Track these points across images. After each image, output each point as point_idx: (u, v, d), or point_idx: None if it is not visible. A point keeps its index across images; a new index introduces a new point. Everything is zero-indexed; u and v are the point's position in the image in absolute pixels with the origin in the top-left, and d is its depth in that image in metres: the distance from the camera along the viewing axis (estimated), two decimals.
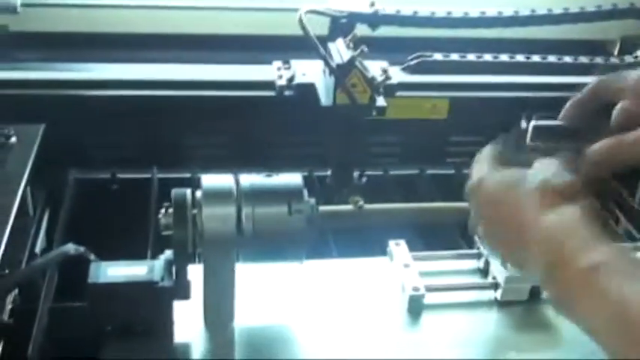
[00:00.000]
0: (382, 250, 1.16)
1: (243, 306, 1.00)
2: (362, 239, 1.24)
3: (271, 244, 0.95)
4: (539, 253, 0.64)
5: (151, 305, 0.92)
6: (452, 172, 1.44)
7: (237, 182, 0.96)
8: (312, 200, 0.97)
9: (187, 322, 0.98)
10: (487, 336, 1.02)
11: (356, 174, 0.98)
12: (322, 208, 0.98)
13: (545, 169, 0.68)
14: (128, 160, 1.36)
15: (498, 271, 1.06)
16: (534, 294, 1.07)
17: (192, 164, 1.34)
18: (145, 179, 1.32)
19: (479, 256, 1.12)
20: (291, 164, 1.26)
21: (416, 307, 1.05)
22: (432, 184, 1.42)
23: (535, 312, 1.06)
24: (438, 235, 1.14)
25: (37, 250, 1.18)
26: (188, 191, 0.95)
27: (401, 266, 1.09)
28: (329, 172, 1.02)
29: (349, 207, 0.97)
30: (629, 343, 0.53)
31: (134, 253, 1.03)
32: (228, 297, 0.97)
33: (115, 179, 1.35)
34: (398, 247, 1.13)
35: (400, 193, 1.23)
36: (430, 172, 1.44)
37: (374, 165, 1.35)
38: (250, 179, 0.96)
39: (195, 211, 0.93)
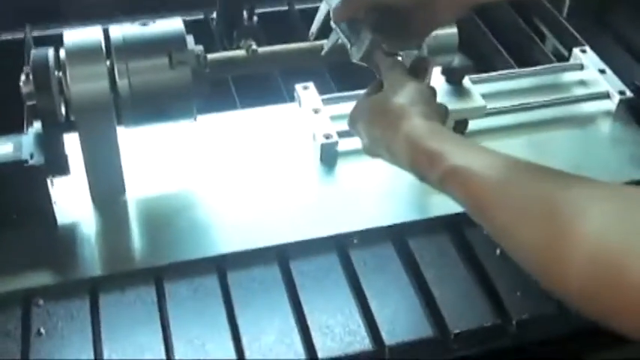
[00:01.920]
0: (291, 97, 1.05)
1: (135, 176, 0.89)
2: (267, 86, 1.12)
3: (154, 103, 0.82)
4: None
5: (22, 187, 0.80)
6: None
7: (106, 35, 0.82)
8: (198, 48, 0.84)
9: (72, 200, 0.87)
10: (411, 183, 0.94)
11: (246, 13, 0.83)
12: (210, 56, 0.85)
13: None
14: None
15: None
16: (458, 129, 0.99)
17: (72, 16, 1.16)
18: (17, 41, 1.15)
19: None
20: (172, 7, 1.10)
21: (329, 156, 0.95)
22: None
23: None
24: (351, 76, 1.03)
25: None
26: (50, 51, 0.81)
27: (310, 112, 0.98)
28: (214, 14, 0.87)
29: (241, 52, 0.84)
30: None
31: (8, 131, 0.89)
32: (113, 167, 0.86)
33: None
34: (306, 91, 1.01)
35: (301, 31, 1.09)
36: None
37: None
38: (122, 30, 0.82)
39: (59, 73, 0.79)
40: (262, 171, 0.94)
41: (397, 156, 0.71)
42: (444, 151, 0.65)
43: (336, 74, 1.11)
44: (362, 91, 0.99)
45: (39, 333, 0.75)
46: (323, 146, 0.94)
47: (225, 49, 0.87)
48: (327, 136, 0.94)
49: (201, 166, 0.94)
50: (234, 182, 0.92)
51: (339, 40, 0.82)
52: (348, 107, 0.97)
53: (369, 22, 0.78)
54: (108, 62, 0.80)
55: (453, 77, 0.99)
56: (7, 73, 0.86)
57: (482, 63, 1.17)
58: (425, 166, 0.67)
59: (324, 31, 0.85)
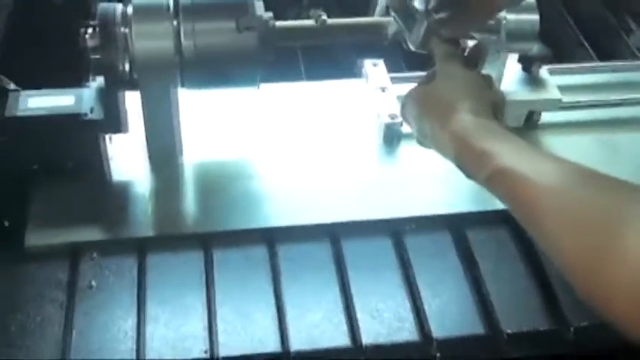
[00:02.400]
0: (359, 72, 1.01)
1: (193, 139, 0.88)
2: (336, 59, 1.09)
3: (218, 67, 0.80)
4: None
5: (80, 140, 0.79)
6: None
7: None
8: (267, 14, 0.81)
9: (128, 158, 0.86)
10: None
11: None
12: (278, 23, 0.82)
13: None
14: None
15: None
16: (531, 119, 0.95)
17: None
18: None
19: None
20: None
21: (392, 137, 0.92)
22: None
23: (529, 139, 0.94)
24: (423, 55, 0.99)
25: None
26: (118, 6, 0.80)
27: (377, 90, 0.95)
28: None
29: (310, 22, 0.81)
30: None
31: (69, 82, 0.88)
32: (172, 129, 0.84)
33: None
34: (375, 68, 0.98)
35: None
36: None
37: None
38: None
39: (125, 29, 0.78)
40: (322, 146, 0.91)
41: (444, 151, 0.69)
42: (491, 151, 0.62)
43: (408, 52, 1.08)
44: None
45: (89, 286, 0.75)
46: (387, 126, 0.91)
47: (294, 17, 0.84)
48: (392, 117, 0.91)
49: (261, 136, 0.92)
50: (293, 155, 0.90)
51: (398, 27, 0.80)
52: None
53: (424, 5, 0.75)
54: (175, 22, 0.78)
55: (530, 66, 0.95)
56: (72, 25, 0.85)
57: (562, 53, 1.11)
58: (472, 165, 0.64)
59: None
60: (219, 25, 0.79)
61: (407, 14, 0.78)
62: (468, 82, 0.71)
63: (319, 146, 0.91)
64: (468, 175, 0.66)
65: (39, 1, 1.12)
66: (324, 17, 0.79)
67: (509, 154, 0.61)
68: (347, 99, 0.98)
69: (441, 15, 0.74)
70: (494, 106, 0.70)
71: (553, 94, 0.94)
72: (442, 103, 0.69)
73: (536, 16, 0.88)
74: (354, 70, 1.05)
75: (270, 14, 0.82)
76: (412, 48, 0.80)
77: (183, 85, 0.82)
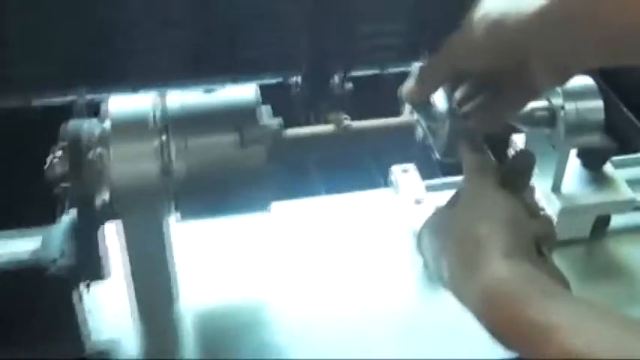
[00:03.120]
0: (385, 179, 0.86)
1: (191, 279, 0.71)
2: (355, 167, 0.94)
3: (219, 192, 0.64)
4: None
5: (47, 296, 0.62)
6: None
7: (161, 103, 0.65)
8: (275, 121, 0.66)
9: (111, 310, 0.69)
10: None
11: (337, 77, 0.65)
12: (290, 132, 0.67)
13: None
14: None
15: (549, 199, 0.76)
16: (598, 228, 0.78)
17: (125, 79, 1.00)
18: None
19: None
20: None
21: None
22: None
23: (599, 252, 0.78)
24: None
25: None
26: (91, 122, 0.64)
27: (410, 201, 0.79)
28: (298, 78, 0.69)
29: (328, 127, 0.66)
30: None
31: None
32: (164, 268, 0.67)
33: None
34: (405, 175, 0.82)
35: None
36: None
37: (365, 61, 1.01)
38: (181, 98, 0.65)
39: (101, 149, 0.62)
40: (351, 276, 0.74)
41: (469, 307, 0.51)
42: (549, 323, 0.45)
43: None
44: None
45: None
46: None
47: (307, 122, 0.69)
48: None
49: (276, 268, 0.75)
50: (316, 291, 0.73)
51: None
52: None
53: (447, 103, 0.60)
54: (163, 138, 0.63)
55: (593, 161, 0.79)
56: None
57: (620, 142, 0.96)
58: (517, 337, 0.47)
59: None
60: (218, 140, 0.63)
61: (429, 114, 0.63)
62: (504, 210, 0.53)
63: (347, 276, 0.74)
64: (507, 345, 0.48)
65: None
66: (348, 121, 0.64)
67: (576, 328, 0.45)
68: (374, 215, 0.82)
69: (467, 107, 0.59)
70: (540, 240, 0.53)
71: (624, 193, 0.78)
72: (467, 239, 0.52)
73: (599, 102, 0.73)
74: (375, 178, 0.90)
75: (279, 120, 0.66)
76: (438, 156, 0.64)
77: (176, 216, 0.65)
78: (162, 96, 0.66)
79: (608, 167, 0.80)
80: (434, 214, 0.58)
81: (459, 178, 0.82)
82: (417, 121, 0.67)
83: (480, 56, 0.54)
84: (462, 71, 0.57)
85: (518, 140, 0.80)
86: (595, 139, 0.75)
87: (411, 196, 0.79)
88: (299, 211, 0.82)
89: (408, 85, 0.59)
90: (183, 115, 0.63)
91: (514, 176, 0.57)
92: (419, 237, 0.58)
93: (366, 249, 0.78)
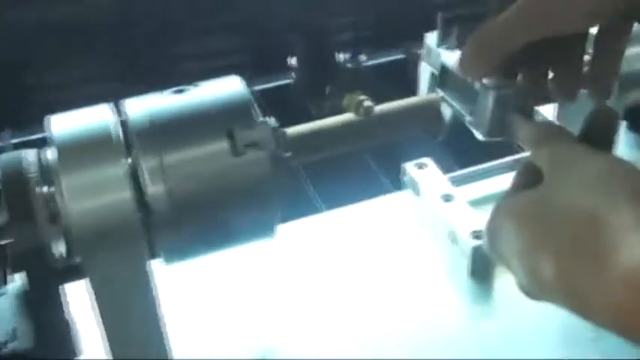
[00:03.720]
0: (393, 183, 0.72)
1: (182, 337, 0.55)
2: (350, 172, 0.79)
3: (212, 218, 0.48)
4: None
5: None
6: None
7: (119, 115, 0.49)
8: (270, 121, 0.50)
9: None
10: None
11: (342, 57, 0.51)
12: (292, 130, 0.52)
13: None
14: None
15: None
16: None
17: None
18: None
19: None
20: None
21: (483, 267, 0.61)
22: None
23: None
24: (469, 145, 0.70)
25: None
26: (28, 153, 0.48)
27: (438, 200, 0.64)
28: (293, 60, 0.54)
29: (346, 116, 0.51)
30: None
31: None
32: (149, 330, 0.51)
33: None
34: (423, 172, 0.68)
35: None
36: None
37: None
38: (146, 104, 0.49)
39: (48, 188, 0.46)
40: (385, 304, 0.60)
41: (604, 313, 0.37)
42: None
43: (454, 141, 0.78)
44: (507, 161, 0.68)
45: None
46: (474, 251, 0.60)
47: (309, 116, 0.54)
48: (478, 235, 0.60)
49: (288, 312, 0.59)
50: (344, 335, 0.58)
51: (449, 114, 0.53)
52: (491, 186, 0.65)
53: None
54: (128, 158, 0.47)
55: None
56: None
57: None
58: None
59: None
60: (204, 151, 0.47)
61: (464, 90, 0.50)
62: (613, 172, 0.39)
63: (379, 308, 0.59)
64: None
65: None
66: (369, 102, 0.49)
67: None
68: (397, 224, 0.67)
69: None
70: None
71: None
72: (581, 217, 0.38)
73: None
74: (381, 182, 0.75)
75: (272, 120, 0.51)
76: (482, 137, 0.51)
77: (156, 258, 0.50)
78: (119, 105, 0.50)
79: None
80: (510, 199, 0.43)
81: (486, 166, 0.70)
82: (444, 98, 0.53)
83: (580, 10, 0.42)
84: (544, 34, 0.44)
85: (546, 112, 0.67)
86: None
87: (436, 194, 0.65)
88: (303, 233, 0.66)
89: (466, 59, 0.46)
90: (152, 125, 0.48)
91: (596, 136, 0.44)
92: (492, 231, 0.43)
93: (397, 267, 0.63)
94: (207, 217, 0.48)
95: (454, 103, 0.52)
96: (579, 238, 0.37)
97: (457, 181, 0.67)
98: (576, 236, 0.37)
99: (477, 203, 0.65)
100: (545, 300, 0.40)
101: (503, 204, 0.43)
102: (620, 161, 0.40)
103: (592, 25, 0.46)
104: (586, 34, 0.49)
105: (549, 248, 0.38)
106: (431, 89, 0.56)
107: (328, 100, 0.50)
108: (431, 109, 0.55)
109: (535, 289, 0.41)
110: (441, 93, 0.54)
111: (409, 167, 0.68)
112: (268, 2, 0.65)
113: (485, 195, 0.67)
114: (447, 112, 0.54)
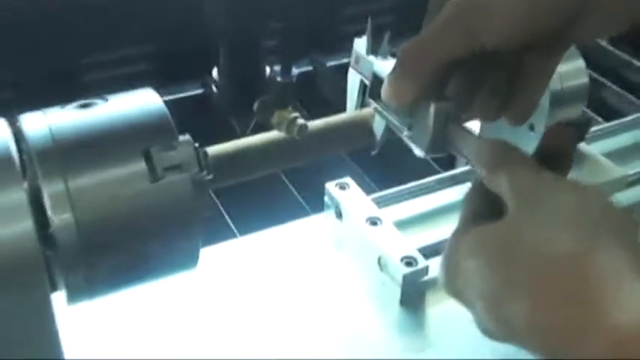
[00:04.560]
0: (313, 205, 0.68)
1: None
2: (267, 194, 0.74)
3: (126, 251, 0.43)
4: None
5: None
6: None
7: (15, 133, 0.43)
8: (185, 139, 0.45)
9: None
10: None
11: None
12: (214, 149, 0.46)
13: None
14: None
15: None
16: None
17: None
18: None
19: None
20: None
21: (414, 295, 0.57)
22: None
23: None
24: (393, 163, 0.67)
25: None
26: None
27: (364, 224, 0.61)
28: (215, 72, 0.49)
29: (274, 134, 0.46)
30: None
31: None
32: None
33: None
34: (345, 192, 0.64)
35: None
36: None
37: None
38: (46, 121, 0.43)
39: None
40: (300, 341, 0.55)
41: None
42: None
43: (367, 161, 0.75)
44: (430, 180, 0.66)
45: None
46: (405, 278, 0.56)
47: (232, 133, 0.49)
48: (410, 261, 0.57)
49: (196, 340, 0.54)
50: None
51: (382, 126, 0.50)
52: (416, 207, 0.62)
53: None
54: (25, 184, 0.41)
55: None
56: None
57: None
58: None
59: None
60: (117, 174, 0.42)
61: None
62: (587, 207, 0.35)
63: (295, 344, 0.55)
64: None
65: None
66: (302, 121, 0.44)
67: None
68: (318, 249, 0.63)
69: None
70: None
71: (612, 170, 0.64)
72: (557, 261, 0.34)
73: (583, 68, 0.59)
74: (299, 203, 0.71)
75: (187, 138, 0.45)
76: (421, 153, 0.47)
77: (59, 292, 0.43)
78: (15, 123, 0.44)
79: (583, 146, 0.66)
80: (471, 233, 0.39)
81: (410, 186, 0.66)
82: (376, 109, 0.49)
83: (519, 23, 0.39)
84: (481, 48, 0.40)
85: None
86: (579, 112, 0.61)
87: (361, 217, 0.61)
88: (214, 260, 0.61)
89: (394, 79, 0.42)
90: (55, 144, 0.42)
91: (553, 157, 0.41)
92: (451, 269, 0.39)
93: (320, 296, 0.58)
94: (122, 249, 0.42)
95: (388, 116, 0.48)
96: (558, 282, 0.33)
97: (381, 203, 0.64)
98: (555, 280, 0.33)
99: (402, 225, 0.62)
100: (511, 344, 0.37)
101: (464, 238, 0.38)
102: (591, 193, 0.36)
103: (518, 43, 0.43)
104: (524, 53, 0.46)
105: (523, 293, 0.34)
106: (360, 98, 0.52)
107: (259, 116, 0.45)
108: (362, 126, 0.51)
109: (501, 334, 0.37)
110: (373, 104, 0.50)
111: (331, 188, 0.64)
112: (183, 3, 0.59)
113: (411, 216, 0.64)
114: (379, 125, 0.51)
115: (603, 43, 0.94)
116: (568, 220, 0.34)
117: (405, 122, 0.47)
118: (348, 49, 0.51)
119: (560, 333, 0.33)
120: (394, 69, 0.42)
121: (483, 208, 0.39)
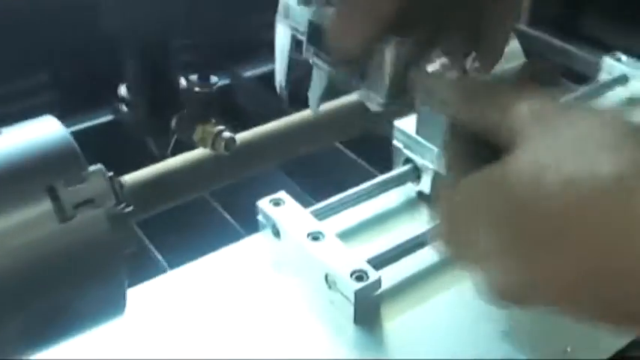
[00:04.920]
0: (247, 226, 0.62)
1: None
2: (197, 219, 0.68)
3: (36, 308, 0.37)
4: None
5: None
6: None
7: None
8: (97, 168, 0.39)
9: None
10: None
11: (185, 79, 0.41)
12: (131, 177, 0.41)
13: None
14: None
15: None
16: None
17: None
18: None
19: (416, 173, 0.62)
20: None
21: (369, 311, 0.53)
22: None
23: None
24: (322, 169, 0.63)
25: None
26: None
27: (305, 240, 0.56)
28: (123, 88, 0.43)
29: (198, 152, 0.41)
30: None
31: None
32: None
33: None
34: (281, 209, 0.59)
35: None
36: None
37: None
38: None
39: None
40: None
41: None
42: None
43: (300, 172, 0.70)
44: (366, 187, 0.62)
45: None
46: (358, 295, 0.51)
47: (150, 156, 0.44)
48: (360, 275, 0.52)
49: None
50: None
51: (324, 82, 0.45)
52: (357, 215, 0.58)
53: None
54: None
55: None
56: None
57: None
58: None
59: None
60: (18, 217, 0.36)
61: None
62: (612, 127, 0.31)
63: None
64: None
65: None
66: (228, 134, 0.39)
67: None
68: (253, 273, 0.57)
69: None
70: None
71: None
72: (604, 187, 0.29)
73: (520, 49, 0.56)
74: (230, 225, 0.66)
75: (98, 167, 0.40)
76: (376, 106, 0.43)
77: None
78: None
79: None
80: (474, 177, 0.33)
81: (349, 193, 0.62)
82: (317, 66, 0.44)
83: None
84: None
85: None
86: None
87: (301, 233, 0.56)
88: (145, 298, 0.55)
89: (340, 17, 0.37)
90: None
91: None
92: (458, 225, 0.34)
93: (266, 323, 0.53)
94: (33, 304, 0.36)
95: (332, 69, 0.43)
96: (606, 215, 0.28)
97: (320, 215, 0.59)
98: (602, 212, 0.28)
99: (347, 237, 0.57)
100: (531, 307, 0.32)
101: (465, 188, 0.33)
102: (610, 115, 0.32)
103: None
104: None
105: (561, 236, 0.29)
106: (292, 53, 0.47)
107: (178, 134, 0.39)
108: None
109: (522, 295, 0.32)
110: (312, 57, 0.44)
111: (264, 205, 0.59)
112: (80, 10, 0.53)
113: (355, 225, 0.60)
114: (317, 82, 0.45)
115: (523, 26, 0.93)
116: (601, 142, 0.30)
117: (356, 71, 0.42)
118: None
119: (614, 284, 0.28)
120: (343, 3, 0.38)
121: (468, 153, 0.35)
